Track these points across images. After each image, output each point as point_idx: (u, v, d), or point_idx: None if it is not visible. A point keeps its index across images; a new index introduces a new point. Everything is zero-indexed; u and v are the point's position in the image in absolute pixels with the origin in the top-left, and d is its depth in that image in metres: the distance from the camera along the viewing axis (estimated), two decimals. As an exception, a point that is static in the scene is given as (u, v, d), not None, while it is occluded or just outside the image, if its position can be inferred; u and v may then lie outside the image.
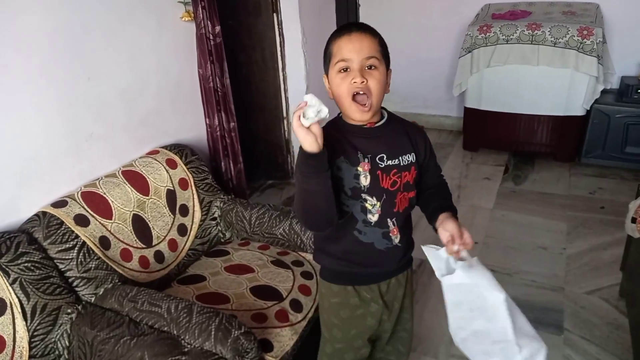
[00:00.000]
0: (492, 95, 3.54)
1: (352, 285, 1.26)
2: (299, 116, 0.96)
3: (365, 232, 1.18)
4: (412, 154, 1.19)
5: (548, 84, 3.33)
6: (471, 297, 1.08)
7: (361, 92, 1.09)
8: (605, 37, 3.24)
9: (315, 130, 0.97)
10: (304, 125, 0.96)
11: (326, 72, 1.16)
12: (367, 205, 1.15)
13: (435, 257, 1.12)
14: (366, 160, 1.13)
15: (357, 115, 1.11)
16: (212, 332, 1.34)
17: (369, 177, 1.13)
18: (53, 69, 1.64)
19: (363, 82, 1.07)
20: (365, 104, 1.10)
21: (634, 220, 1.85)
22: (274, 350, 1.48)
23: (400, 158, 1.17)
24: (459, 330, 1.13)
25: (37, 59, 1.58)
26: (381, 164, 1.14)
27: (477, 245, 2.62)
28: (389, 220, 1.18)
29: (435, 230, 1.18)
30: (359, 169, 1.13)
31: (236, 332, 1.35)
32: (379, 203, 1.15)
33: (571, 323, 2.06)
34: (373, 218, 1.17)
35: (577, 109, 3.32)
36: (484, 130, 3.68)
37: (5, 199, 1.54)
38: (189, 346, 1.34)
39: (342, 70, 1.10)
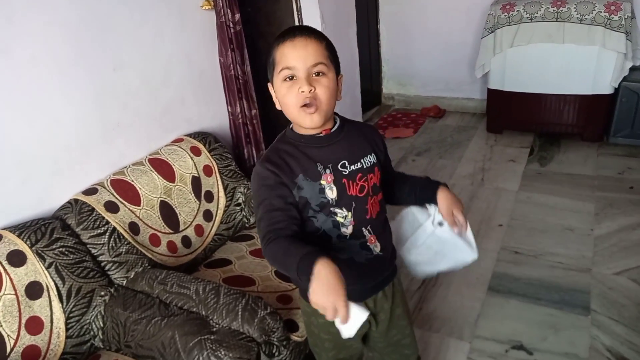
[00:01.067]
0: (516, 76, 3.47)
1: None
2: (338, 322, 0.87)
3: (341, 248, 1.09)
4: (373, 154, 1.13)
5: (574, 62, 3.24)
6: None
7: (308, 102, 1.01)
8: (634, 11, 3.13)
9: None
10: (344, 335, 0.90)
11: (270, 80, 1.07)
12: (338, 218, 1.07)
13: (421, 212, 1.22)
14: (327, 171, 1.05)
15: (307, 121, 1.03)
16: (239, 313, 1.38)
17: (334, 189, 1.05)
18: (80, 60, 1.69)
19: (311, 90, 0.99)
20: (311, 106, 1.01)
21: (663, 199, 1.81)
22: (300, 330, 1.51)
23: (362, 161, 1.10)
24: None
25: (64, 50, 1.63)
26: (344, 171, 1.07)
27: (502, 227, 2.60)
28: (364, 229, 1.10)
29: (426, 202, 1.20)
30: (322, 182, 1.05)
31: (262, 312, 1.39)
32: (350, 213, 1.07)
33: (598, 304, 2.03)
34: (347, 231, 1.08)
35: (605, 87, 3.23)
36: (508, 111, 3.62)
37: (40, 187, 1.61)
38: (217, 326, 1.38)
39: (287, 79, 1.01)
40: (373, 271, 1.14)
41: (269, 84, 1.09)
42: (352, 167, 1.08)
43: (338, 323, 0.89)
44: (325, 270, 0.87)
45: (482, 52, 3.54)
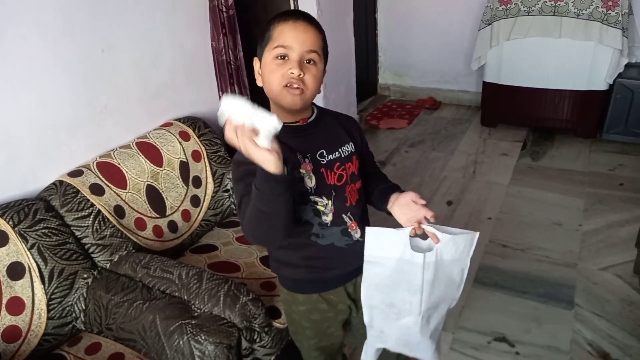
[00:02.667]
0: (512, 70, 3.46)
1: (317, 292, 1.19)
2: (250, 138, 0.82)
3: (322, 235, 1.10)
4: (350, 143, 1.14)
5: (570, 57, 3.24)
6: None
7: (295, 85, 1.00)
8: (631, 8, 3.12)
9: (275, 146, 0.85)
10: (263, 146, 0.83)
11: (259, 55, 1.06)
12: (318, 207, 1.08)
13: (392, 235, 1.02)
14: (306, 160, 1.06)
15: (289, 99, 1.02)
16: (221, 298, 1.38)
17: (313, 178, 1.06)
18: (68, 41, 1.66)
19: (300, 75, 1.00)
20: (296, 88, 1.01)
21: (650, 196, 1.82)
22: (282, 317, 1.51)
23: (340, 150, 1.11)
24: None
25: (53, 31, 1.61)
26: (322, 160, 1.08)
27: (491, 220, 2.61)
28: (344, 216, 1.12)
29: (388, 213, 1.12)
30: (302, 171, 1.05)
31: (244, 298, 1.39)
32: (330, 202, 1.09)
33: (583, 299, 2.05)
34: (328, 218, 1.09)
35: (600, 84, 3.23)
36: (503, 105, 3.62)
37: (24, 167, 1.59)
38: (198, 311, 1.38)
39: (279, 57, 1.01)
40: (353, 256, 1.14)
41: (255, 59, 1.08)
42: (330, 157, 1.09)
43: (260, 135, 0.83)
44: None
45: (478, 45, 3.52)
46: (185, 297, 1.42)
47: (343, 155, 1.11)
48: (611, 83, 3.20)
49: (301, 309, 1.21)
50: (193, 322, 1.33)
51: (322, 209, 1.08)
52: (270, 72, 1.02)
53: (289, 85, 1.01)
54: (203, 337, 1.28)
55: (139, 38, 1.94)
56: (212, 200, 2.03)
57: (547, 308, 2.01)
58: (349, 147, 1.13)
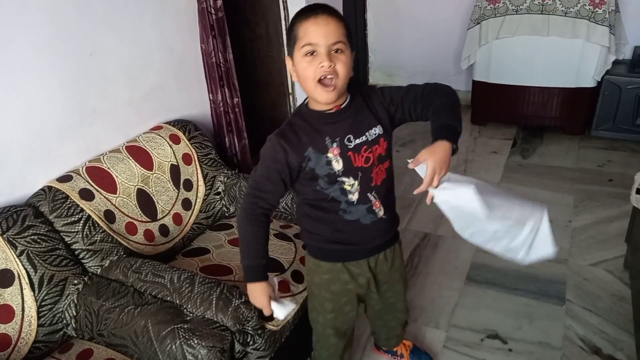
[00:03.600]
0: (501, 68, 3.48)
1: (341, 262, 1.31)
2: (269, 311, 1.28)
3: (350, 211, 1.22)
4: (378, 126, 1.20)
5: (558, 55, 3.26)
6: (457, 205, 1.09)
7: (329, 76, 1.08)
8: (618, 5, 3.15)
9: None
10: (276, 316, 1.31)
11: (290, 54, 1.14)
12: (345, 186, 1.18)
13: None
14: (335, 144, 1.15)
15: (323, 96, 1.10)
16: (214, 302, 1.38)
17: (341, 161, 1.15)
18: (56, 45, 1.65)
19: (331, 66, 1.06)
20: (329, 85, 1.09)
21: (638, 192, 1.83)
22: (274, 319, 1.51)
23: (367, 134, 1.18)
24: (463, 230, 1.15)
25: (40, 35, 1.59)
26: (350, 145, 1.16)
27: (482, 218, 2.62)
28: (369, 195, 1.21)
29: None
30: (329, 155, 1.15)
31: (237, 301, 1.38)
32: (356, 182, 1.18)
33: (574, 294, 2.06)
34: (354, 197, 1.20)
35: (588, 81, 3.25)
36: (493, 103, 3.64)
37: (12, 173, 1.58)
38: (191, 315, 1.37)
39: (308, 54, 1.08)
40: (377, 232, 1.27)
41: (287, 58, 1.16)
42: (357, 141, 1.17)
43: (274, 306, 1.30)
44: (252, 288, 1.27)
45: (467, 44, 3.54)
46: (177, 301, 1.41)
47: (370, 139, 1.18)
48: (599, 80, 3.23)
49: (324, 277, 1.34)
50: (185, 326, 1.32)
51: (348, 188, 1.19)
52: (303, 69, 1.10)
53: (322, 78, 1.08)
54: (196, 342, 1.28)
55: (127, 41, 1.93)
56: (204, 203, 2.02)
57: (538, 304, 2.03)
58: (376, 131, 1.19)
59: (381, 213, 1.25)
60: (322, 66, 1.06)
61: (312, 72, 1.08)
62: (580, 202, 2.70)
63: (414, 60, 4.31)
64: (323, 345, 1.50)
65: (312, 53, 1.08)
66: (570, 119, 3.44)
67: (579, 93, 3.32)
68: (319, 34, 1.06)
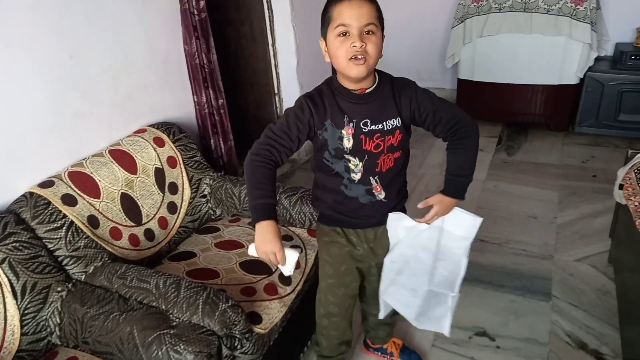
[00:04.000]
0: (485, 66, 3.51)
1: (340, 227, 1.40)
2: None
3: (350, 187, 1.31)
4: (397, 118, 1.24)
5: (541, 52, 3.30)
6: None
7: (359, 56, 1.13)
8: (599, 3, 3.19)
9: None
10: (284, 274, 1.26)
11: (323, 35, 1.20)
12: (350, 165, 1.26)
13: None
14: (351, 124, 1.21)
15: (354, 70, 1.15)
16: (200, 306, 1.36)
17: (351, 140, 1.22)
18: (35, 46, 1.62)
19: (362, 46, 1.12)
20: (360, 59, 1.13)
21: (621, 187, 1.86)
22: (263, 322, 1.50)
23: (384, 123, 1.23)
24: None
25: (18, 36, 1.56)
26: (365, 129, 1.22)
27: (469, 216, 2.64)
28: (371, 178, 1.29)
29: None
30: (343, 132, 1.22)
31: (223, 305, 1.37)
32: (361, 163, 1.25)
33: (559, 290, 2.09)
34: (356, 176, 1.28)
35: (571, 78, 3.30)
36: (478, 101, 3.66)
37: (-8, 179, 1.55)
38: (177, 320, 1.36)
39: (341, 34, 1.14)
40: (375, 211, 1.35)
41: (320, 39, 1.22)
42: (373, 127, 1.23)
43: (279, 266, 1.23)
44: (263, 229, 1.18)
45: (452, 42, 3.56)
46: (163, 307, 1.40)
47: (386, 129, 1.24)
48: (582, 77, 3.27)
49: (324, 239, 1.44)
50: (172, 331, 1.31)
51: (352, 167, 1.26)
52: (336, 48, 1.15)
53: (353, 57, 1.13)
54: (182, 347, 1.26)
55: (109, 43, 1.90)
56: (190, 206, 2.00)
57: (524, 301, 2.05)
58: (394, 122, 1.24)
59: (381, 197, 1.32)
60: (354, 46, 1.12)
61: (344, 52, 1.14)
62: (564, 198, 2.73)
63: (399, 59, 4.30)
64: (324, 325, 1.58)
65: (345, 34, 1.13)
66: (554, 116, 3.48)
67: (562, 90, 3.36)
68: (352, 15, 1.12)
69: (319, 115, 1.22)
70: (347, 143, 1.22)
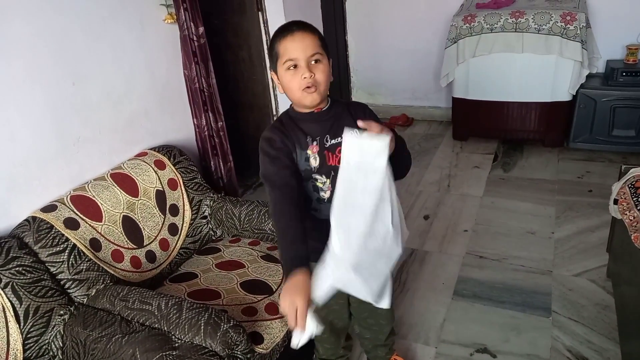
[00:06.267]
0: (479, 85, 3.56)
1: (315, 262, 1.24)
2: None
3: (319, 209, 1.31)
4: (355, 130, 1.21)
5: (533, 70, 3.35)
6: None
7: (310, 85, 1.19)
8: (589, 21, 3.26)
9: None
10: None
11: (274, 69, 1.25)
12: (318, 184, 1.28)
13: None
14: (315, 142, 1.26)
15: (308, 99, 1.21)
16: (202, 327, 1.38)
17: (317, 158, 1.26)
18: (37, 74, 1.67)
19: (312, 75, 1.18)
20: (311, 87, 1.19)
21: (616, 202, 1.88)
22: (264, 342, 1.51)
23: (342, 136, 1.18)
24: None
25: (20, 64, 1.61)
26: (326, 144, 1.26)
27: (467, 232, 2.66)
28: None
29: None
30: (309, 152, 1.26)
31: (225, 325, 1.38)
32: (328, 180, 1.27)
33: (559, 305, 2.09)
34: (325, 195, 1.29)
35: (564, 95, 3.35)
36: (473, 119, 3.71)
37: (-5, 205, 1.57)
38: (179, 341, 1.37)
39: (290, 68, 1.19)
40: None
41: (272, 73, 1.27)
42: (333, 141, 1.26)
43: (294, 331, 1.05)
44: (297, 277, 1.07)
45: (446, 62, 3.62)
46: (165, 328, 1.41)
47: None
48: (574, 94, 3.32)
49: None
50: (174, 353, 1.32)
51: (320, 185, 1.28)
52: (288, 81, 1.21)
53: (305, 87, 1.19)
54: (185, 368, 1.27)
55: (109, 69, 1.95)
56: (190, 227, 2.02)
57: (525, 316, 2.05)
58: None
59: None
60: (304, 77, 1.18)
61: (296, 84, 1.19)
62: (561, 213, 2.76)
63: (394, 79, 4.39)
64: (319, 340, 1.60)
65: (294, 67, 1.19)
66: (548, 132, 3.52)
67: (555, 107, 3.41)
68: (297, 48, 1.17)
69: (287, 139, 1.25)
70: (314, 162, 1.26)
